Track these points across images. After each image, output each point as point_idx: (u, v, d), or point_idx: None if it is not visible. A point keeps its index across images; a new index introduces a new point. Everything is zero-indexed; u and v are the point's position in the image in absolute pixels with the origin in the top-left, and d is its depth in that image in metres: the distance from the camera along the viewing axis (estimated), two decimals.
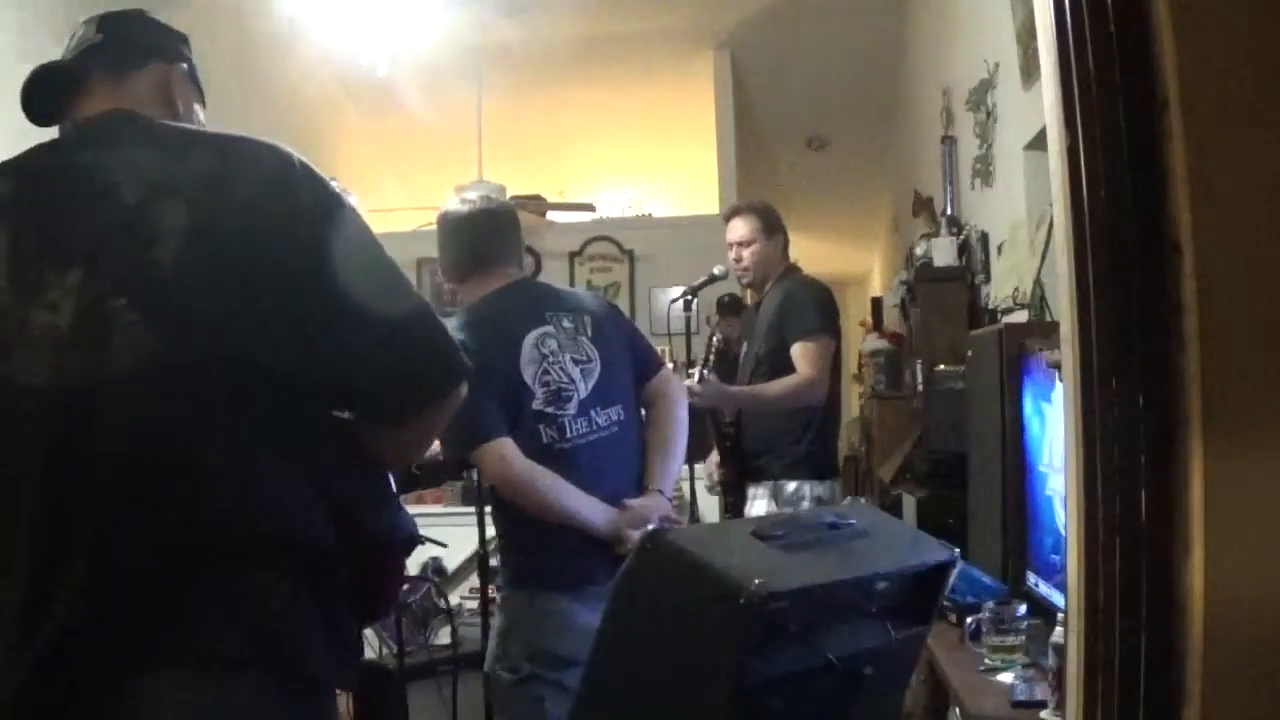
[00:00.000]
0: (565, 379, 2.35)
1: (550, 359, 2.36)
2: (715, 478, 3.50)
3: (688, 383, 3.19)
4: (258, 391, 1.22)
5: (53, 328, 1.20)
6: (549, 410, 2.32)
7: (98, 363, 1.18)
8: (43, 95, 1.37)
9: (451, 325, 2.42)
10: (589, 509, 2.29)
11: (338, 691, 1.36)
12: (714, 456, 3.51)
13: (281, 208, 1.25)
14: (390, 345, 1.28)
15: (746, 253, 3.46)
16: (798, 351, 3.26)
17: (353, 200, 2.91)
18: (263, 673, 1.18)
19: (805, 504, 3.25)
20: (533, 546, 2.35)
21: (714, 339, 3.61)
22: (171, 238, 1.20)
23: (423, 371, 1.31)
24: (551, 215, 6.94)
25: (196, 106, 1.48)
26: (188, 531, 1.18)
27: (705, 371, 3.29)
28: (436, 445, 2.58)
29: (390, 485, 1.45)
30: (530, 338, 2.36)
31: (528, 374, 2.33)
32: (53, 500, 1.18)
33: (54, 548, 1.17)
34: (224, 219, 1.22)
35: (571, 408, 2.34)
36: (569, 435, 2.33)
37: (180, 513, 1.18)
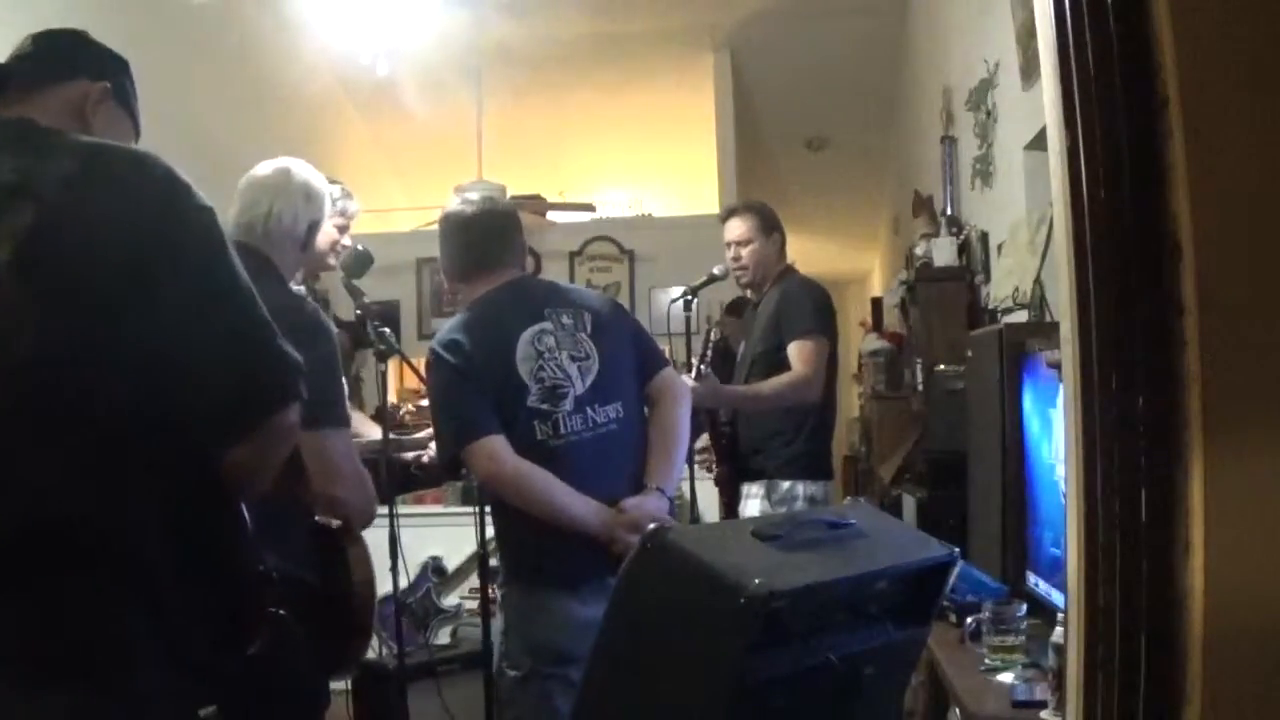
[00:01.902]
0: (561, 375, 2.35)
1: (546, 355, 2.36)
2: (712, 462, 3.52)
3: (685, 379, 3.20)
4: (79, 398, 1.20)
5: None
6: (544, 407, 2.32)
7: None
8: None
9: (449, 324, 2.43)
10: (581, 507, 2.29)
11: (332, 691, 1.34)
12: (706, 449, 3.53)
13: (128, 213, 1.24)
14: (218, 359, 1.25)
15: (744, 252, 3.47)
16: (793, 351, 3.27)
17: (356, 206, 2.92)
18: (65, 684, 1.17)
19: (799, 504, 3.25)
20: (528, 543, 2.35)
21: (710, 334, 3.62)
22: (8, 238, 1.20)
23: (249, 387, 1.28)
24: (551, 215, 6.94)
25: (125, 132, 1.48)
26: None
27: (703, 368, 3.30)
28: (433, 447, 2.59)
29: (241, 519, 1.40)
30: (527, 334, 2.36)
31: (523, 370, 2.33)
32: None
33: None
34: (63, 223, 1.22)
35: (567, 404, 2.34)
36: (563, 432, 2.33)
37: None
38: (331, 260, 2.75)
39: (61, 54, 1.44)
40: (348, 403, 2.08)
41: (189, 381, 1.24)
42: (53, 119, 1.36)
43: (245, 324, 1.29)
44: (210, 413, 1.26)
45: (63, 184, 1.24)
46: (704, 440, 3.54)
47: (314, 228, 2.24)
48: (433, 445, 2.74)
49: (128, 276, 1.21)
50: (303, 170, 2.26)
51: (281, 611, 1.40)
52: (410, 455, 2.98)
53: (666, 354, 2.73)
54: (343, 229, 2.76)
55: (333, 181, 2.75)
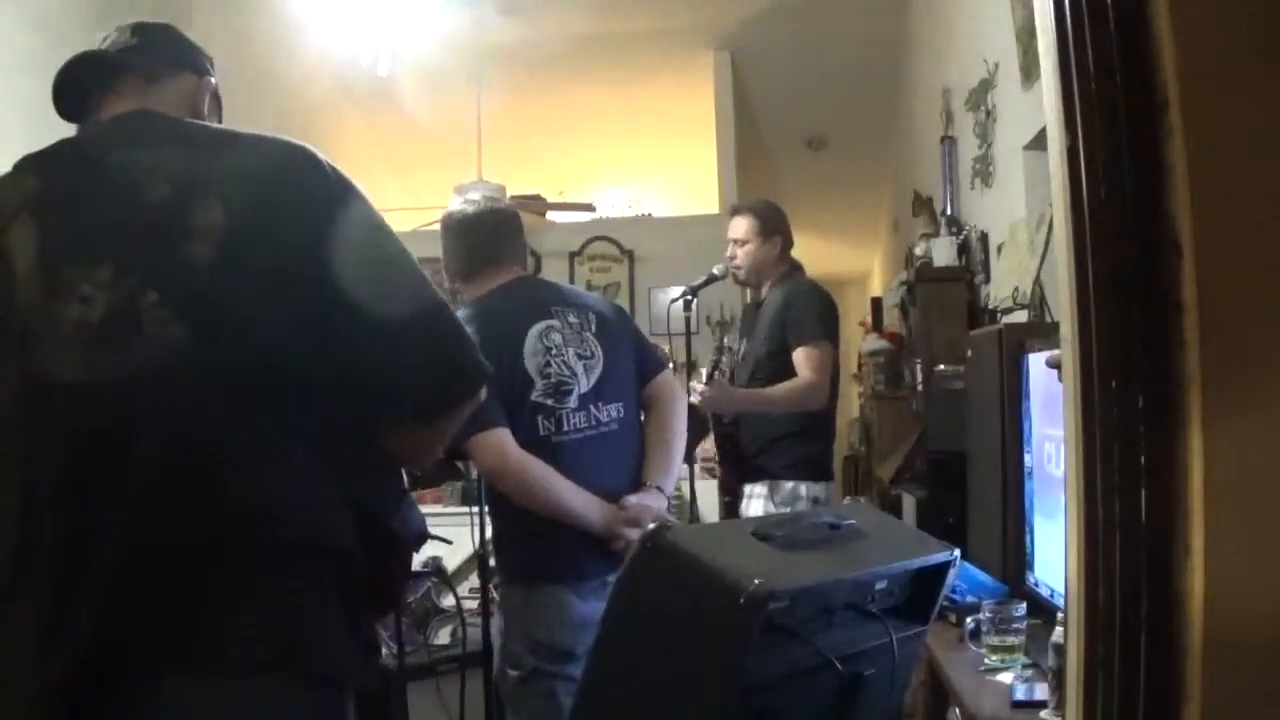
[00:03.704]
0: (567, 372, 2.37)
1: (553, 351, 2.37)
2: (715, 470, 3.53)
3: (696, 384, 3.23)
4: (289, 390, 1.21)
5: (83, 323, 1.19)
6: (548, 402, 2.33)
7: (127, 359, 1.17)
8: (76, 86, 1.37)
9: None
10: (582, 504, 2.29)
11: None
12: (706, 450, 3.54)
13: (316, 209, 1.25)
14: (424, 347, 1.29)
15: (740, 252, 3.52)
16: (800, 357, 3.30)
17: None
18: (289, 676, 1.18)
19: (802, 504, 3.28)
20: (527, 541, 2.36)
21: (725, 340, 3.64)
22: (206, 236, 1.20)
23: (452, 373, 1.32)
24: (551, 215, 6.94)
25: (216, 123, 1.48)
26: (217, 532, 1.17)
27: (717, 374, 3.32)
28: None
29: (403, 481, 1.46)
30: (535, 329, 2.37)
31: (530, 365, 2.34)
32: (79, 497, 1.17)
33: (79, 547, 1.16)
34: (258, 218, 1.22)
35: (571, 401, 2.35)
36: (566, 428, 2.34)
37: (210, 514, 1.17)
38: None
39: (168, 47, 1.44)
40: None
41: (408, 367, 1.27)
42: (170, 111, 1.36)
43: (439, 309, 1.33)
44: (419, 395, 1.30)
45: (241, 180, 1.24)
46: (707, 449, 3.55)
47: None
48: None
49: (326, 269, 1.23)
50: None
51: (433, 574, 1.45)
52: None
53: (667, 354, 2.74)
54: None
55: None
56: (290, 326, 1.21)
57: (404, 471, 2.95)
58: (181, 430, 1.18)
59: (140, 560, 1.15)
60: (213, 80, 1.47)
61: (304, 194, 1.26)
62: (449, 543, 2.34)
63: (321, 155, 1.31)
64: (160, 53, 1.42)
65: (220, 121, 1.50)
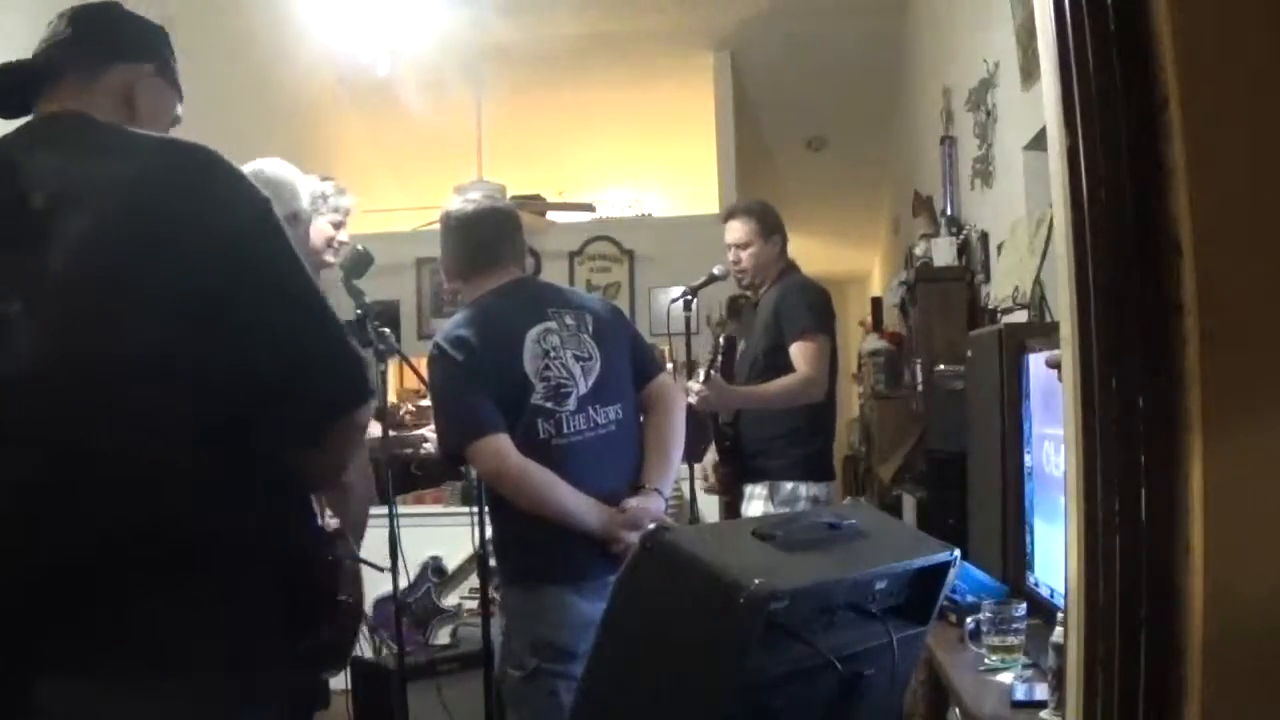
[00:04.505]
0: (565, 374, 2.37)
1: (552, 354, 2.37)
2: (712, 479, 3.52)
3: (693, 384, 3.22)
4: (190, 397, 1.20)
5: None
6: (548, 405, 2.33)
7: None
8: (6, 92, 1.36)
9: (453, 320, 2.43)
10: (582, 506, 2.30)
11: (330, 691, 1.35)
12: (711, 457, 3.53)
13: (199, 212, 1.23)
14: (298, 361, 1.26)
15: (744, 255, 3.49)
16: (795, 352, 3.29)
17: (350, 201, 2.90)
18: (177, 681, 1.17)
19: (801, 504, 3.26)
20: (527, 542, 2.36)
21: (720, 340, 3.63)
22: (72, 242, 1.18)
23: (329, 387, 1.28)
24: (551, 215, 6.94)
25: (171, 105, 1.45)
26: (100, 534, 1.16)
27: (713, 373, 3.31)
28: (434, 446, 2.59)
29: (311, 506, 1.43)
30: (533, 333, 2.37)
31: (529, 368, 2.34)
32: None
33: None
34: (133, 223, 1.20)
35: (571, 404, 2.35)
36: (566, 431, 2.34)
37: (92, 515, 1.16)
38: (329, 257, 2.75)
39: (103, 37, 1.39)
40: None
41: (270, 383, 1.24)
42: (104, 109, 1.33)
43: (320, 324, 1.29)
44: (293, 413, 1.26)
45: (120, 185, 1.22)
46: (710, 458, 3.54)
47: (293, 221, 2.22)
48: (431, 440, 2.75)
49: (198, 280, 1.20)
50: (268, 168, 2.24)
51: (349, 599, 1.41)
52: (410, 451, 2.98)
53: (666, 354, 2.74)
54: (339, 225, 2.76)
55: (325, 179, 2.75)
56: (169, 331, 1.19)
57: (405, 472, 2.94)
58: (65, 438, 1.17)
59: (17, 562, 1.15)
60: (152, 65, 1.41)
61: (201, 199, 1.24)
62: (381, 569, 2.30)
63: (223, 159, 1.28)
64: (95, 43, 1.37)
65: (177, 97, 1.46)
